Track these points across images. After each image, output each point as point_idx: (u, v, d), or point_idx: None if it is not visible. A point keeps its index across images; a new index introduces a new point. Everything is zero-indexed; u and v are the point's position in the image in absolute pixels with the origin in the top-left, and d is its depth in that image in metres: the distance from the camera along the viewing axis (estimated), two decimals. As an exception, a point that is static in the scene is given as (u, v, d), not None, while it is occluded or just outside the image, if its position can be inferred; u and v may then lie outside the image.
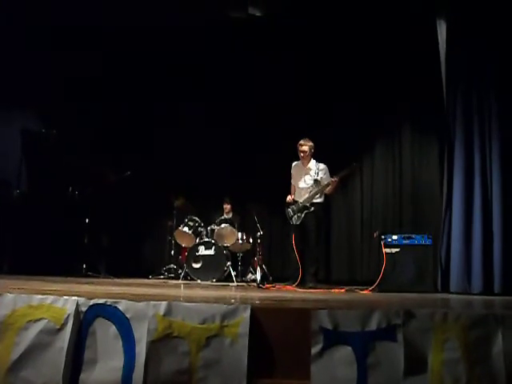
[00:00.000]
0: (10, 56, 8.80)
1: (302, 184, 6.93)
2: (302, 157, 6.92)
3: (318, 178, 6.80)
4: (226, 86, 9.33)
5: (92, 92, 9.23)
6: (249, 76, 9.22)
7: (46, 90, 8.95)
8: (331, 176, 6.79)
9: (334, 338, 2.69)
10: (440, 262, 6.17)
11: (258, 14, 8.01)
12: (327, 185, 6.73)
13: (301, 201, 6.83)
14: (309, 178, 6.87)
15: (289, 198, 6.98)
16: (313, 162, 6.94)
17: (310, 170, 6.88)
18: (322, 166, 6.87)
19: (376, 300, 4.47)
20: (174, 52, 9.17)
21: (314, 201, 6.80)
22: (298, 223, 6.82)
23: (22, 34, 8.70)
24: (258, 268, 7.13)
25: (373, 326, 2.69)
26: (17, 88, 8.93)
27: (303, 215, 6.77)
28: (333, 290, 6.03)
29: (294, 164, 7.09)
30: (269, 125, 9.13)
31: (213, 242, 8.06)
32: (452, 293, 5.88)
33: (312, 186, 6.83)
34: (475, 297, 5.48)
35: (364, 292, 5.87)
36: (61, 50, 8.68)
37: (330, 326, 2.69)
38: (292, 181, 7.12)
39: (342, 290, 6.02)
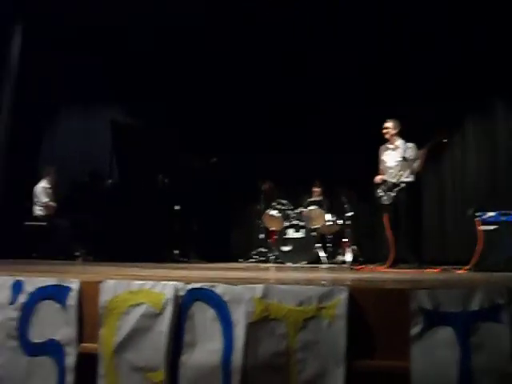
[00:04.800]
0: (97, 49, 9.11)
1: (390, 163, 6.86)
2: (386, 135, 6.89)
3: (407, 155, 6.68)
4: (317, 66, 9.25)
5: (176, 81, 9.39)
6: (336, 54, 9.08)
7: (133, 82, 9.21)
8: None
9: (434, 318, 2.61)
10: None
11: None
12: (415, 159, 6.60)
13: (390, 179, 6.73)
14: (397, 155, 6.81)
15: (378, 179, 6.94)
16: (401, 141, 6.89)
17: (398, 148, 6.81)
18: (410, 144, 6.79)
19: (475, 279, 4.32)
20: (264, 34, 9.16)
21: (405, 179, 6.71)
22: (389, 202, 6.73)
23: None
24: (348, 249, 7.08)
25: (475, 305, 2.59)
26: (105, 80, 9.25)
27: (394, 193, 6.68)
28: (427, 270, 5.89)
29: (381, 147, 7.03)
30: (355, 106, 9.00)
31: (302, 224, 8.05)
32: None
33: (400, 163, 6.71)
34: None
35: (460, 271, 5.69)
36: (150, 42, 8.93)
37: (429, 307, 2.61)
38: (380, 165, 7.04)
39: (437, 270, 5.87)
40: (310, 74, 9.32)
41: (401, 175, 6.70)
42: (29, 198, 8.77)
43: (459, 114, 8.77)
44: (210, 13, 8.88)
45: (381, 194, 6.82)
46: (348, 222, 7.97)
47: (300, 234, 8.02)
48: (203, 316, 2.78)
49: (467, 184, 8.69)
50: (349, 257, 6.73)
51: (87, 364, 2.91)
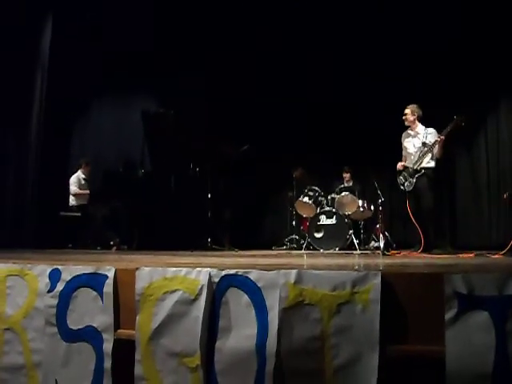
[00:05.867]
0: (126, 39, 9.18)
1: (411, 149, 6.88)
2: (406, 122, 6.88)
3: (427, 140, 6.63)
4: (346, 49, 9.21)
5: (206, 69, 9.43)
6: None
7: (164, 71, 9.26)
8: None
9: (469, 302, 2.58)
10: None
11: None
12: (434, 144, 6.54)
13: (411, 166, 6.71)
14: (417, 141, 6.81)
15: (399, 165, 6.96)
16: (421, 126, 6.86)
17: (418, 134, 6.80)
18: (430, 129, 6.76)
19: (511, 263, 4.26)
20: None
21: (426, 165, 6.70)
22: (410, 189, 6.73)
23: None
24: (381, 235, 7.04)
25: (511, 290, 2.56)
26: (136, 70, 9.31)
27: (415, 180, 6.66)
28: (461, 255, 5.84)
29: (403, 134, 7.00)
30: (386, 92, 8.93)
31: (334, 210, 8.05)
32: None
33: (421, 149, 6.66)
34: None
35: (495, 256, 5.62)
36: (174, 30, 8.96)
37: (464, 291, 2.58)
38: (403, 152, 7.02)
39: (471, 255, 5.81)
40: (340, 66, 9.30)
41: (421, 160, 6.67)
42: (64, 189, 8.93)
43: (494, 98, 8.63)
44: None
45: (403, 181, 6.81)
46: (380, 208, 7.91)
47: (332, 221, 8.00)
48: (237, 302, 2.80)
49: (502, 168, 8.56)
50: (381, 243, 6.67)
51: (124, 350, 2.96)
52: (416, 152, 6.79)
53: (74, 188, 8.81)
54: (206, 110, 9.64)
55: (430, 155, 6.66)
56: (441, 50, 8.72)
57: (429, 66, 8.82)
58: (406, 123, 6.91)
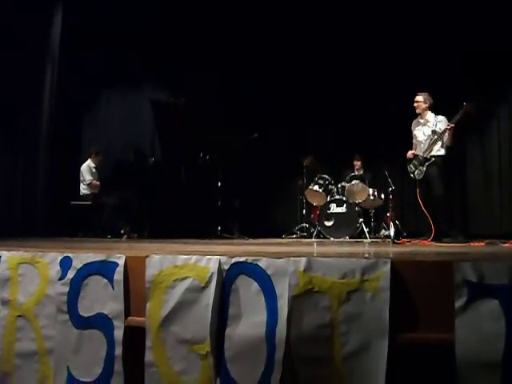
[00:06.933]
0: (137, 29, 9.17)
1: (421, 137, 6.84)
2: (417, 109, 6.83)
3: (437, 128, 6.59)
4: (355, 39, 9.15)
5: (215, 57, 9.41)
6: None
7: (173, 60, 9.25)
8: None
9: (479, 290, 2.57)
10: None
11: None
12: (444, 132, 6.51)
13: (421, 154, 6.68)
14: (427, 129, 6.77)
15: (409, 154, 6.92)
16: (431, 114, 6.81)
17: (428, 121, 6.76)
18: (440, 117, 6.71)
19: (521, 252, 4.25)
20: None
21: (436, 153, 6.65)
22: (421, 177, 6.71)
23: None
24: (391, 223, 7.04)
25: (521, 278, 2.55)
26: (147, 59, 9.31)
27: (425, 168, 6.63)
28: (472, 244, 5.82)
29: (413, 122, 6.96)
30: (396, 80, 8.87)
31: (344, 199, 8.03)
32: None
33: (430, 136, 6.62)
34: None
35: (506, 245, 5.60)
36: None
37: (474, 279, 2.57)
38: (413, 140, 7.00)
39: (482, 243, 5.79)
40: (358, 46, 9.25)
41: (431, 148, 6.64)
42: (75, 178, 8.97)
43: (506, 85, 8.56)
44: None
45: (413, 169, 6.78)
46: (391, 197, 7.90)
47: (342, 209, 7.98)
48: (247, 289, 2.81)
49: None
50: (391, 231, 6.65)
51: (135, 337, 2.98)
52: (426, 140, 6.75)
53: (89, 177, 8.84)
54: (215, 99, 9.63)
55: (439, 143, 6.62)
56: (452, 37, 8.65)
57: (440, 54, 8.75)
58: (418, 111, 6.86)
